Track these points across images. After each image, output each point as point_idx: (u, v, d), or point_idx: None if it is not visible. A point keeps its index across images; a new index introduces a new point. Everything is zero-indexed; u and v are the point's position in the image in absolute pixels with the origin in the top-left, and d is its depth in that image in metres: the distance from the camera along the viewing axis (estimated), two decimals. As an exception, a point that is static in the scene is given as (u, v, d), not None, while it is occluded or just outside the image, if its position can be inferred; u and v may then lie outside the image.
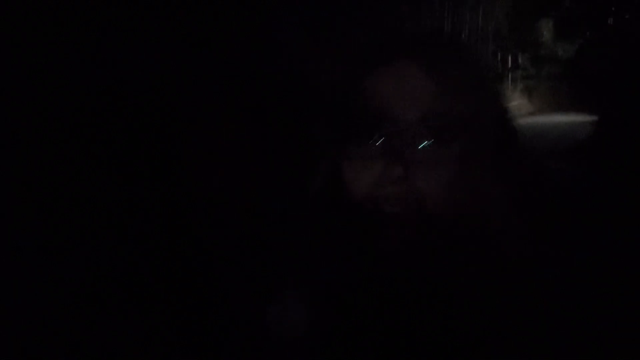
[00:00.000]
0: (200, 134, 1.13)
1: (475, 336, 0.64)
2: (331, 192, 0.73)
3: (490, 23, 5.11)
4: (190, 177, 1.04)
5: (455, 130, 0.65)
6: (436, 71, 0.66)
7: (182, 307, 0.95)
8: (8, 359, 0.95)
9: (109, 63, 1.09)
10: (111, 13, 1.15)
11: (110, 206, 1.02)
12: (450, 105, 0.64)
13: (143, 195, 1.00)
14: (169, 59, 1.16)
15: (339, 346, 0.69)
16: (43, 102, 1.06)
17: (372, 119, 0.66)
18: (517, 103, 5.54)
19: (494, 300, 0.63)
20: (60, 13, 1.09)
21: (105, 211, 1.03)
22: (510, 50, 4.97)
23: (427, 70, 0.66)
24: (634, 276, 0.65)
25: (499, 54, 5.10)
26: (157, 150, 1.06)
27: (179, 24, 1.27)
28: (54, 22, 1.09)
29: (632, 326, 0.62)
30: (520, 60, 4.79)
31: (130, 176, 1.02)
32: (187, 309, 0.96)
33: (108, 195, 1.03)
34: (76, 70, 1.08)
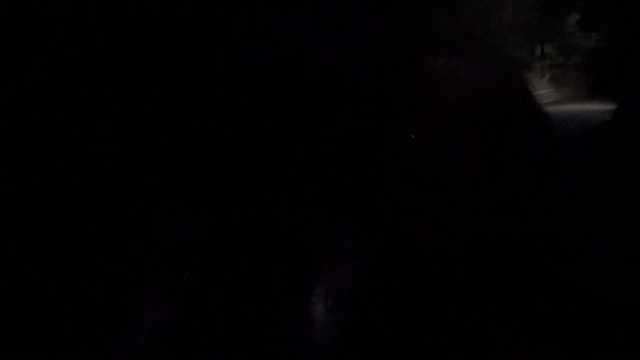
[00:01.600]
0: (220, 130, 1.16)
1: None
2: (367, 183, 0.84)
3: (520, 13, 5.15)
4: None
5: (488, 121, 0.76)
6: (467, 66, 0.78)
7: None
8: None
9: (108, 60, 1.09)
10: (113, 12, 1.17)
11: (112, 203, 1.02)
12: (482, 97, 0.76)
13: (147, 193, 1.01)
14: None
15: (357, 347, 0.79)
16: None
17: (407, 111, 0.76)
18: (545, 92, 5.57)
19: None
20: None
21: (104, 209, 1.03)
22: (539, 40, 5.01)
23: (457, 65, 0.78)
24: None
25: (528, 44, 5.15)
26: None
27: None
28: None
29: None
30: (547, 50, 4.83)
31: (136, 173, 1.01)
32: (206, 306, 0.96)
33: (108, 193, 1.03)
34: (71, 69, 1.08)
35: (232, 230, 0.99)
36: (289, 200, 1.06)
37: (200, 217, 0.97)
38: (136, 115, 0.98)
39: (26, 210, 1.03)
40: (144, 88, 1.02)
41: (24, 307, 0.94)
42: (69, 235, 1.02)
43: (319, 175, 0.95)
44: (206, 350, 0.91)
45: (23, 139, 0.93)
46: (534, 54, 5.22)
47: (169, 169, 1.00)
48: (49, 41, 1.10)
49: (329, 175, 0.83)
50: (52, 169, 0.99)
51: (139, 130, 0.98)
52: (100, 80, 1.00)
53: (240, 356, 0.87)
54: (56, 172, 1.01)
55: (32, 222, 1.06)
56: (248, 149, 1.16)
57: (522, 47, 5.15)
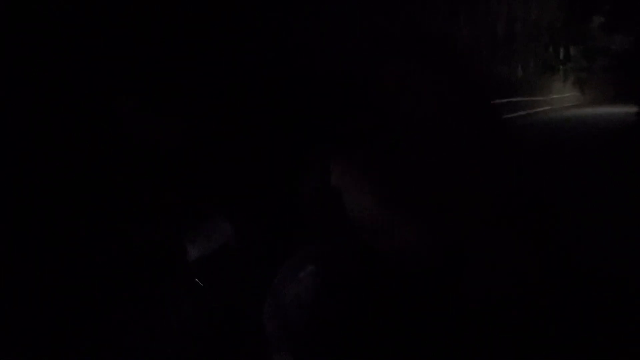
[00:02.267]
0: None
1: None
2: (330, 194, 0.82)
3: (545, 17, 5.10)
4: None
5: (460, 132, 0.75)
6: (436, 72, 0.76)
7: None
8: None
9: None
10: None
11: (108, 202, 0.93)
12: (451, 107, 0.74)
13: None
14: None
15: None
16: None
17: (374, 118, 0.73)
18: (569, 95, 5.49)
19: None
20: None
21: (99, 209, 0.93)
22: (563, 43, 4.95)
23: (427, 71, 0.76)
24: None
25: (552, 46, 5.09)
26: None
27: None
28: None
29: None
30: (572, 53, 4.76)
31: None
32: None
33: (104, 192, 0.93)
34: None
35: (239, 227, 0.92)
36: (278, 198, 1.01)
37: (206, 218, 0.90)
38: (135, 115, 0.90)
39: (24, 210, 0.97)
40: (143, 87, 0.93)
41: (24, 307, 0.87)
42: (70, 235, 0.97)
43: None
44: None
45: (22, 140, 0.91)
46: (559, 56, 5.16)
47: (172, 170, 0.99)
48: (48, 41, 1.00)
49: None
50: (54, 169, 0.95)
51: (139, 129, 0.91)
52: (97, 80, 0.91)
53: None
54: (58, 172, 0.96)
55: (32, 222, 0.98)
56: (246, 148, 1.17)
57: (547, 49, 5.09)
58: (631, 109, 3.58)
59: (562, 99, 5.47)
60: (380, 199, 0.65)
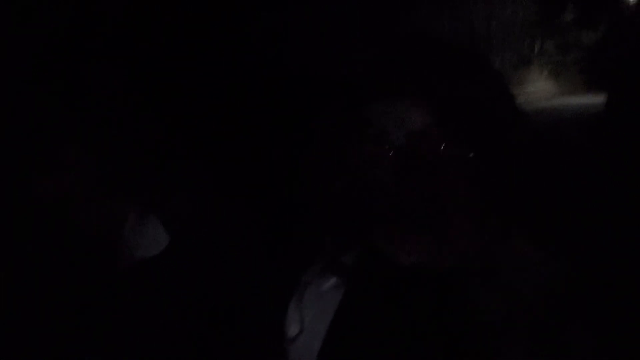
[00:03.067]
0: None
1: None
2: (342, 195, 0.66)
3: (520, 13, 5.30)
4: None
5: (472, 134, 0.59)
6: (450, 73, 0.61)
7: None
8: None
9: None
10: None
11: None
12: (466, 108, 0.59)
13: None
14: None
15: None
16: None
17: (388, 122, 0.60)
18: (544, 86, 5.71)
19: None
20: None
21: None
22: (538, 37, 5.15)
23: (441, 73, 0.61)
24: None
25: (527, 41, 5.30)
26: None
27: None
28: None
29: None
30: (546, 47, 4.97)
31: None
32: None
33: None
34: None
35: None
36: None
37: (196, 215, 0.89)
38: (135, 114, 0.89)
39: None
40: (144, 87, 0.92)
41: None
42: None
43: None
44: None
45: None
46: (533, 50, 5.36)
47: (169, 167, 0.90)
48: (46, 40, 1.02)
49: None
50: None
51: (138, 129, 0.88)
52: (100, 78, 0.89)
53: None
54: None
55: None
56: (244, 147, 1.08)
57: (523, 43, 5.29)
58: (599, 99, 3.77)
59: (538, 92, 5.70)
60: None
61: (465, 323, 0.54)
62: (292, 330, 0.68)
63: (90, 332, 0.83)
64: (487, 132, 0.59)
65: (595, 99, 3.85)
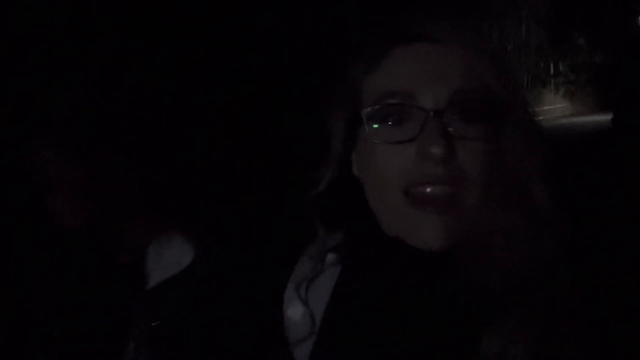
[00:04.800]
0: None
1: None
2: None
3: (533, 36, 5.49)
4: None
5: (493, 111, 0.57)
6: (473, 50, 0.59)
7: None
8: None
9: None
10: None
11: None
12: (487, 85, 0.57)
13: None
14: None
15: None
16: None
17: (408, 98, 0.58)
18: (560, 106, 5.83)
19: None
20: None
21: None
22: (552, 59, 5.32)
23: (463, 49, 0.59)
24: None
25: (542, 62, 5.47)
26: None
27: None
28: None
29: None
30: (561, 68, 5.14)
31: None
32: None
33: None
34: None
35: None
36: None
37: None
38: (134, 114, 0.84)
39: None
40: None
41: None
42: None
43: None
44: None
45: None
46: (549, 71, 5.53)
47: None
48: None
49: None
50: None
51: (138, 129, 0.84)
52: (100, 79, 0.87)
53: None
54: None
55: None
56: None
57: (538, 65, 5.47)
58: (609, 116, 3.97)
59: (553, 110, 5.81)
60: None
61: (461, 301, 0.52)
62: (292, 314, 0.68)
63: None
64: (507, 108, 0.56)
65: (605, 116, 4.08)
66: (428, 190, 0.56)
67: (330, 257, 0.68)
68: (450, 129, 0.56)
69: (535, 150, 0.57)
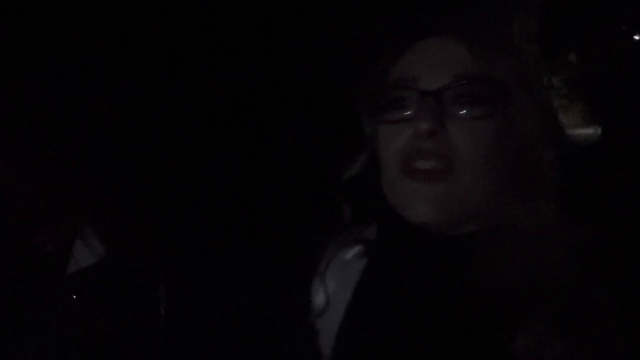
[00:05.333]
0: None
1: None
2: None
3: (528, 48, 5.57)
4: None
5: (493, 94, 0.60)
6: (477, 40, 0.63)
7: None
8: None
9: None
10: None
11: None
12: (489, 71, 0.60)
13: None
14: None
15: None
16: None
17: (411, 82, 0.61)
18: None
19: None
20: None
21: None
22: (546, 72, 5.40)
23: (460, 34, 0.63)
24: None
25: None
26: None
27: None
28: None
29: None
30: (555, 82, 5.21)
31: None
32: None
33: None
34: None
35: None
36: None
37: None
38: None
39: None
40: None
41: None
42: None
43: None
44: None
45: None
46: (542, 85, 5.64)
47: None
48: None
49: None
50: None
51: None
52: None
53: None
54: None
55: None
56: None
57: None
58: (598, 130, 4.06)
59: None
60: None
61: (484, 292, 0.52)
62: (318, 303, 0.71)
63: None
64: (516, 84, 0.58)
65: (596, 129, 4.19)
66: (419, 162, 0.62)
67: (358, 248, 0.73)
68: (445, 109, 0.60)
69: (544, 125, 0.61)
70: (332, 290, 0.73)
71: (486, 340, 0.56)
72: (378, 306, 0.67)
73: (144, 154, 0.97)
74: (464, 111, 0.63)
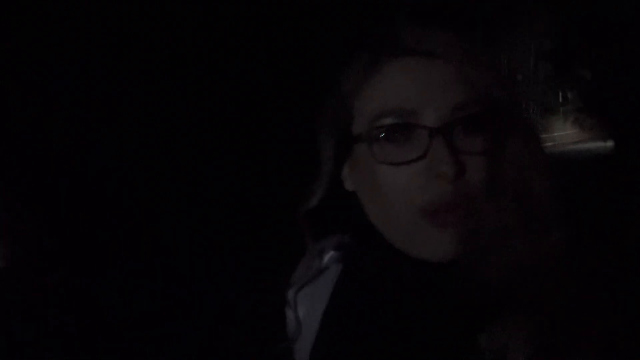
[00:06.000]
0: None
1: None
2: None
3: (541, 66, 5.69)
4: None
5: (494, 121, 0.54)
6: (469, 63, 0.56)
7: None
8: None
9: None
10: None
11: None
12: (487, 96, 0.54)
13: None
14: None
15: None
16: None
17: (409, 116, 0.53)
18: (570, 132, 5.97)
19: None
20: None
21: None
22: (560, 88, 5.51)
23: (459, 62, 0.56)
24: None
25: (551, 91, 5.67)
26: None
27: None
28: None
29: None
30: (570, 96, 5.32)
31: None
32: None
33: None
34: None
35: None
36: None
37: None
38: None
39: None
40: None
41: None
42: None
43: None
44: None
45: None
46: (557, 99, 5.71)
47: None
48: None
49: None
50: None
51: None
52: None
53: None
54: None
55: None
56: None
57: (547, 94, 5.67)
58: (610, 143, 4.18)
59: (564, 137, 5.95)
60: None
61: (463, 302, 0.50)
62: (290, 329, 0.67)
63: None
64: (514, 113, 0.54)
65: (609, 142, 4.29)
66: (445, 208, 0.54)
67: (331, 255, 0.68)
68: (456, 145, 0.54)
69: (534, 150, 0.56)
70: (302, 315, 0.68)
71: (462, 347, 0.54)
72: (351, 315, 0.62)
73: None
74: (474, 143, 0.56)
